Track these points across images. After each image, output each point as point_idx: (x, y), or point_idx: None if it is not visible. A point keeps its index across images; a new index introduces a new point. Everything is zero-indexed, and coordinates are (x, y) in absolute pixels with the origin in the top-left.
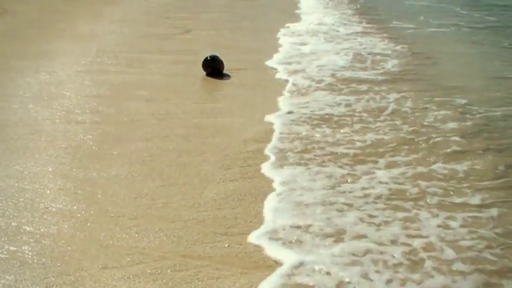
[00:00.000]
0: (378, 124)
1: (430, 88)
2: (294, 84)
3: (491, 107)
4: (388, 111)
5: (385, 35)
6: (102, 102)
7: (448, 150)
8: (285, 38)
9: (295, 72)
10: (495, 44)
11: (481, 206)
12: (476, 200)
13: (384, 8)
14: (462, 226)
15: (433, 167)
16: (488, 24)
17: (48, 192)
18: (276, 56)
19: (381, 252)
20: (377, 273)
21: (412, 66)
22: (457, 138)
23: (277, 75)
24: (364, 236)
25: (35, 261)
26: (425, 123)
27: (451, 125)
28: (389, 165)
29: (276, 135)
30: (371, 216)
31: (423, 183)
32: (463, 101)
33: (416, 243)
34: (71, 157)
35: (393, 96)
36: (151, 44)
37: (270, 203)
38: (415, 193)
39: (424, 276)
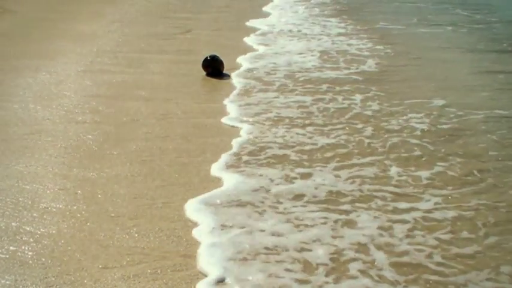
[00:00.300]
0: (337, 126)
1: (407, 89)
2: (252, 86)
3: (471, 109)
4: (352, 113)
5: (368, 35)
6: (102, 102)
7: (411, 154)
8: (254, 38)
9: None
10: (486, 47)
11: (430, 212)
12: (427, 205)
13: (375, 9)
14: (404, 231)
15: (390, 172)
16: (483, 26)
17: (48, 192)
18: (249, 55)
19: (301, 250)
20: (288, 271)
21: (394, 67)
22: (426, 143)
23: (234, 79)
24: (281, 235)
25: (35, 261)
26: (391, 127)
27: (423, 127)
28: (337, 168)
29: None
30: (298, 218)
31: (371, 187)
32: (441, 103)
33: (345, 245)
34: (71, 157)
35: (361, 97)
36: (151, 44)
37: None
38: (358, 196)
39: (344, 278)
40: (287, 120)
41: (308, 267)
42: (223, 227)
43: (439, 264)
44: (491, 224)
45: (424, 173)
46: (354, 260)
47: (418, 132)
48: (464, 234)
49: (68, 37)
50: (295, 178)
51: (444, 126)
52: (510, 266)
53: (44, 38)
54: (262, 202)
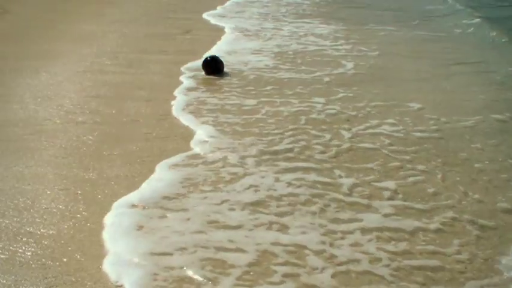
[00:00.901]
0: (288, 133)
1: (383, 91)
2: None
3: (453, 115)
4: (309, 117)
5: (351, 36)
6: (102, 103)
7: (372, 162)
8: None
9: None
10: (480, 54)
11: (383, 222)
12: (379, 216)
13: (372, 10)
14: (350, 237)
15: (340, 180)
16: (483, 33)
17: (48, 192)
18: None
19: (218, 250)
20: (199, 268)
21: (372, 69)
22: (391, 151)
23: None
24: (201, 233)
25: (35, 261)
26: (351, 133)
27: (392, 133)
28: (278, 172)
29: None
30: (221, 219)
31: (315, 192)
32: (417, 106)
33: (273, 247)
34: (71, 157)
35: (323, 100)
36: (151, 44)
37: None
38: (298, 201)
39: (263, 282)
40: (228, 129)
41: (222, 267)
42: (140, 227)
43: (391, 275)
44: (465, 239)
45: (385, 183)
46: (282, 264)
47: (383, 138)
48: (429, 247)
49: (68, 38)
50: (229, 181)
51: (418, 134)
52: (479, 281)
53: (44, 39)
54: (187, 202)
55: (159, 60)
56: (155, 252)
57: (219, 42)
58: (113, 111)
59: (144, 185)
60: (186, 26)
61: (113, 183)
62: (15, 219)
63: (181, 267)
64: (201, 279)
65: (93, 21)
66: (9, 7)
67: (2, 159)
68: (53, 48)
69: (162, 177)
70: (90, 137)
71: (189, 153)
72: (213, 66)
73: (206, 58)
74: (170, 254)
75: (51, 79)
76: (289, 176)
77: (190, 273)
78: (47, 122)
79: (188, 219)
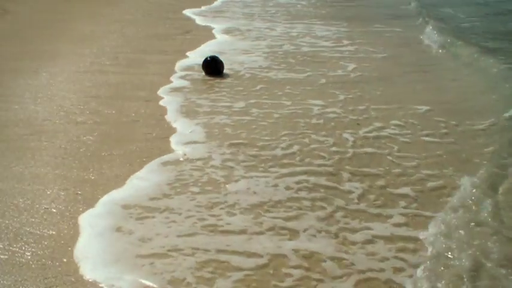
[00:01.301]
0: (288, 137)
1: (388, 92)
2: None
3: (463, 118)
4: (309, 120)
5: (356, 37)
6: (102, 103)
7: (378, 168)
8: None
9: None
10: (490, 55)
11: (393, 231)
12: (386, 225)
13: (378, 10)
14: (361, 244)
15: (347, 186)
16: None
17: (48, 193)
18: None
19: (217, 253)
20: (192, 270)
21: (374, 71)
22: (393, 157)
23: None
24: (193, 235)
25: (35, 262)
26: (354, 137)
27: (397, 137)
28: (277, 177)
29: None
30: (218, 223)
31: (318, 195)
32: (424, 109)
33: (281, 250)
34: (71, 158)
35: (322, 102)
36: (151, 44)
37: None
38: (303, 205)
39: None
40: (227, 130)
41: (220, 270)
42: (119, 230)
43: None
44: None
45: (400, 190)
46: (294, 267)
47: (388, 143)
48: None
49: (68, 38)
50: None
51: (426, 138)
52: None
53: (44, 39)
54: (180, 208)
55: (158, 61)
56: (142, 254)
57: (213, 42)
58: (113, 112)
59: (129, 185)
60: (185, 26)
61: (113, 183)
62: (15, 219)
63: (173, 266)
64: (195, 278)
65: (93, 21)
66: (9, 7)
67: (2, 159)
68: (53, 48)
69: (148, 177)
70: (90, 137)
71: (175, 154)
72: (213, 66)
73: (206, 58)
74: (161, 255)
75: (51, 79)
76: (288, 181)
77: (185, 273)
78: (47, 122)
79: (186, 220)
